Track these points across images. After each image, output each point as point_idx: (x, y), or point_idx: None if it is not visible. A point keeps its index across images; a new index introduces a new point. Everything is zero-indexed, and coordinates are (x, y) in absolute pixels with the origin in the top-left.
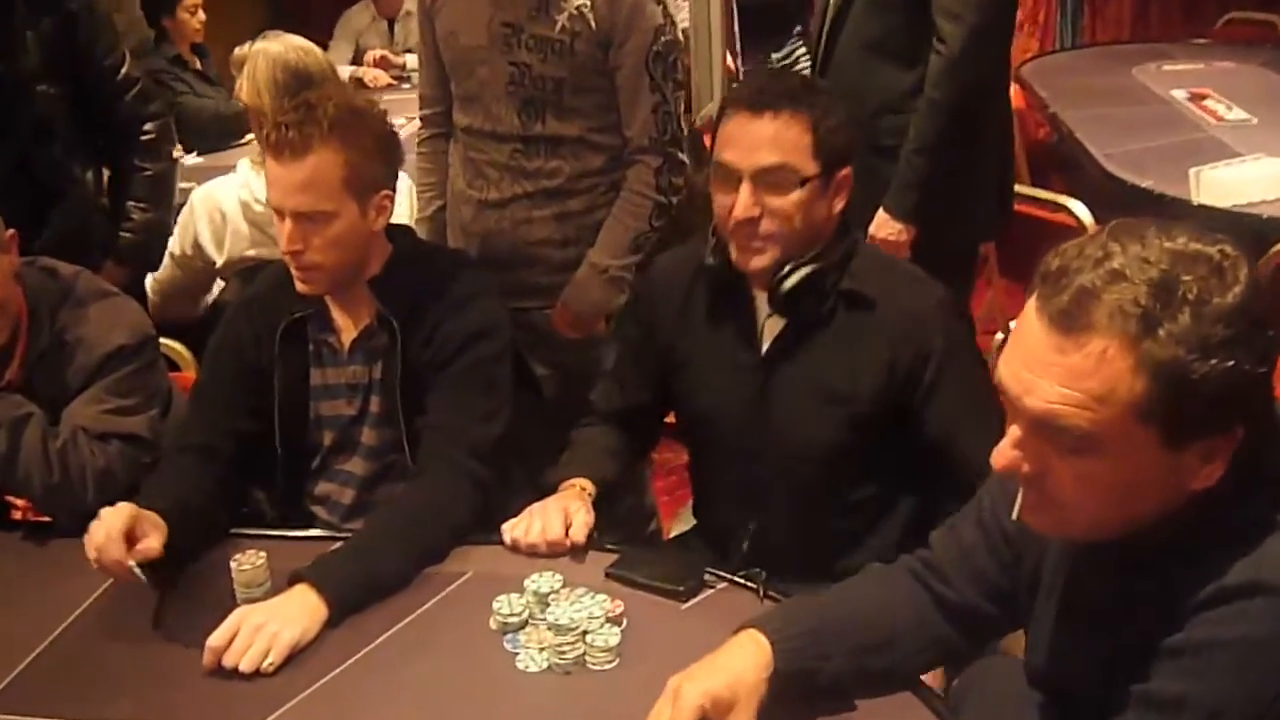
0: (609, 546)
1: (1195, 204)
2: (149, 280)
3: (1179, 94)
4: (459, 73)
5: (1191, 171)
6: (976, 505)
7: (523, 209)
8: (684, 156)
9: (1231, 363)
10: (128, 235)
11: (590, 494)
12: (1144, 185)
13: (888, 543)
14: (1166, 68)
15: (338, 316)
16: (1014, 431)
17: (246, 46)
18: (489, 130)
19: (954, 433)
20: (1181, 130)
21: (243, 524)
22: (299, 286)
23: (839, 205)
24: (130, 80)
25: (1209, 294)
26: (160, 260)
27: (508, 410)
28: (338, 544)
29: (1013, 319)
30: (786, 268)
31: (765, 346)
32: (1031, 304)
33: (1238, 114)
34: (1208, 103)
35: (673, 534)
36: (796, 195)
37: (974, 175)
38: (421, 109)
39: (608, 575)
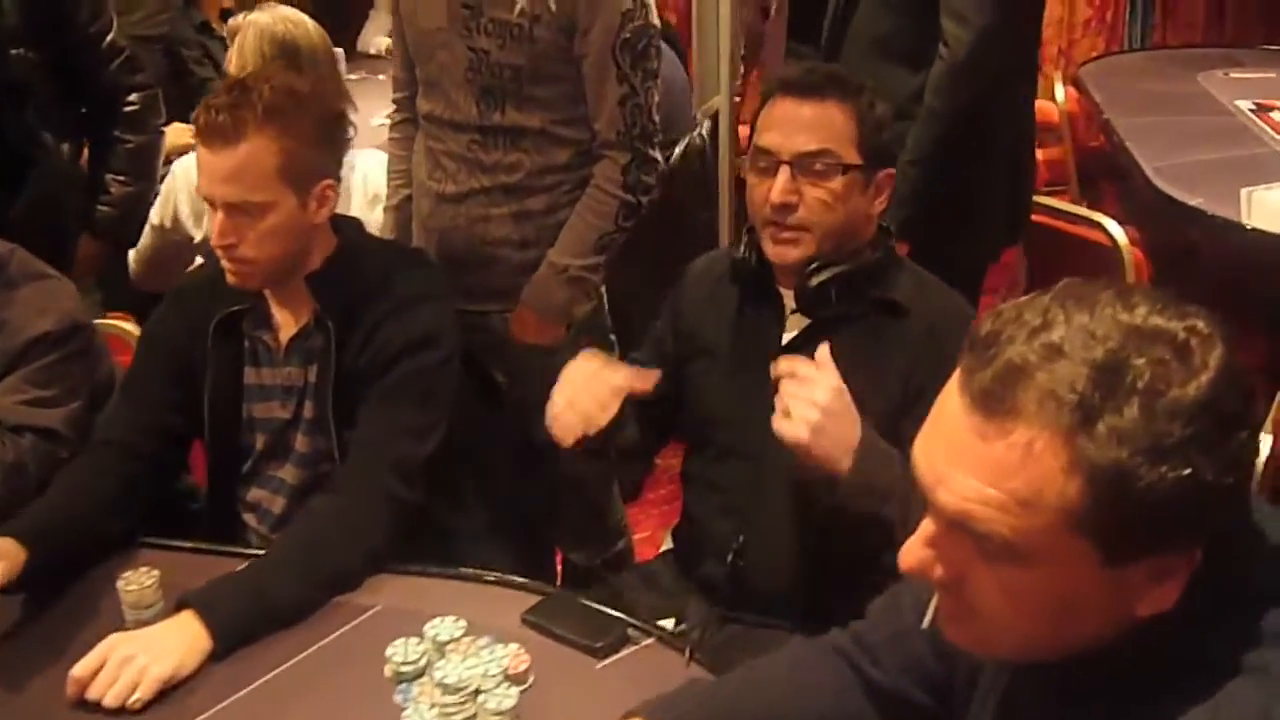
0: (536, 586)
1: (1248, 227)
2: (131, 251)
3: (1244, 104)
4: (420, 56)
5: (1244, 191)
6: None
7: (479, 205)
8: (655, 153)
9: (1188, 470)
10: (104, 209)
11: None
12: (1192, 203)
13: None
14: (1235, 75)
15: (276, 313)
16: (927, 527)
17: (241, 17)
18: (448, 119)
19: None
20: (1242, 144)
21: (175, 526)
22: (230, 280)
23: (879, 207)
24: (115, 49)
25: (1165, 383)
26: (138, 236)
27: (444, 427)
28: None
29: None
30: (815, 264)
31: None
32: (955, 376)
33: None
34: (1275, 115)
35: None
36: (836, 184)
37: (979, 191)
38: (394, 92)
39: (523, 621)
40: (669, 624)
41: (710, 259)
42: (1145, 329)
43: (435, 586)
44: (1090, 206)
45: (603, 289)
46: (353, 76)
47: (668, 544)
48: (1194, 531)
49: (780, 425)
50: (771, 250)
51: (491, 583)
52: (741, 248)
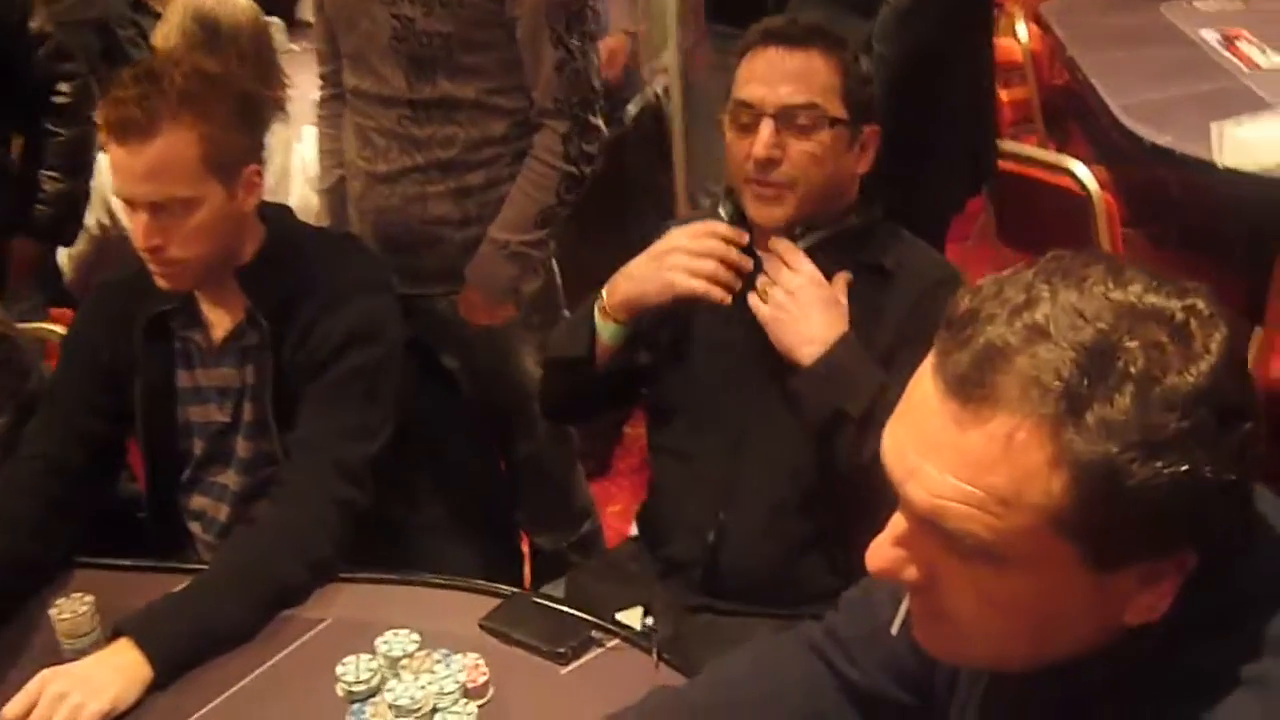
0: (493, 589)
1: (1220, 165)
2: (61, 254)
3: (1209, 35)
4: (340, 26)
5: (1214, 126)
6: None
7: (415, 183)
8: (597, 120)
9: (1185, 466)
10: (41, 208)
11: None
12: (1161, 142)
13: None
14: (1199, 4)
15: (207, 311)
16: (897, 523)
17: None
18: (375, 93)
19: None
20: (1210, 78)
21: (120, 536)
22: (160, 284)
23: (863, 166)
24: (40, 36)
25: (1160, 369)
26: (76, 235)
27: (390, 423)
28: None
29: None
30: (800, 229)
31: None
32: (929, 358)
33: (1274, 59)
34: (1241, 45)
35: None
36: (824, 137)
37: (937, 138)
38: (319, 66)
39: (482, 628)
40: (637, 614)
41: (687, 222)
42: (1140, 308)
43: (388, 594)
44: (1058, 147)
45: (554, 264)
46: (295, 47)
47: (634, 529)
48: (1190, 533)
49: (754, 300)
50: (754, 210)
51: (447, 587)
52: (721, 211)
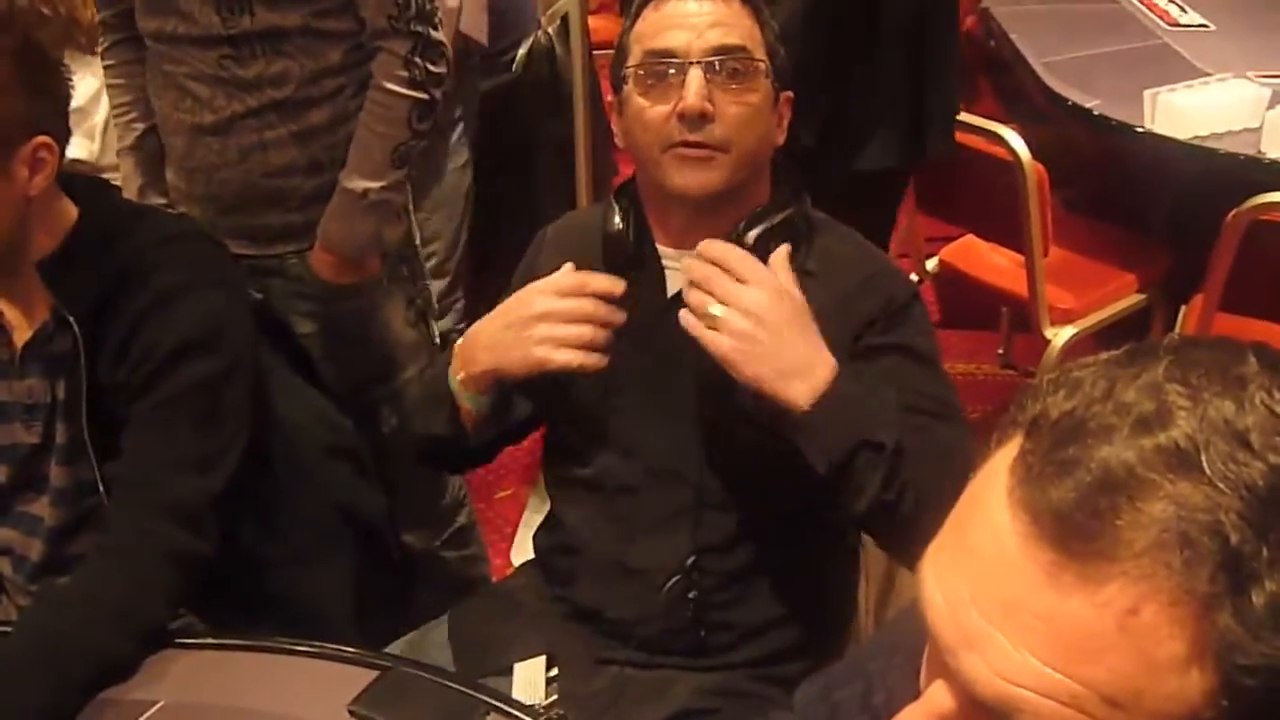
0: (367, 659)
1: (1150, 132)
2: None
3: None
4: None
5: (1147, 94)
6: (863, 674)
7: (250, 131)
8: (439, 35)
9: None
10: None
11: None
12: (1089, 106)
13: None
14: None
15: (5, 310)
16: (938, 701)
17: None
18: (184, 34)
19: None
20: (1131, 35)
21: None
22: None
23: (780, 137)
24: None
25: None
26: None
27: (238, 450)
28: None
29: (931, 255)
30: (742, 224)
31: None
32: (1001, 474)
33: (1192, 17)
34: (1159, 2)
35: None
36: (758, 90)
37: (868, 89)
38: (98, 10)
39: (352, 715)
40: (539, 666)
41: (562, 228)
42: None
43: (237, 665)
44: (964, 105)
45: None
46: None
47: (527, 549)
48: None
49: (695, 328)
50: (679, 177)
51: (308, 654)
52: (614, 219)
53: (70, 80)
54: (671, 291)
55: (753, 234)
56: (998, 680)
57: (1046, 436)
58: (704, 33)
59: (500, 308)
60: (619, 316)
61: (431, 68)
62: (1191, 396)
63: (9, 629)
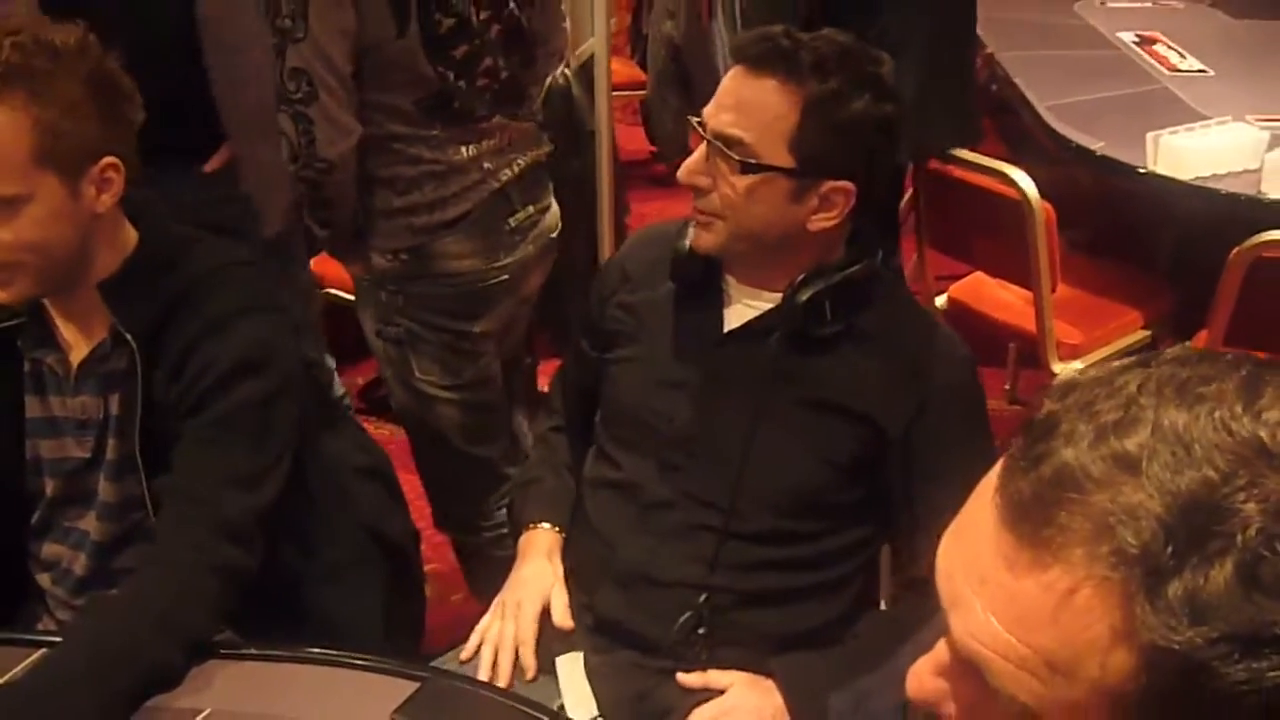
0: (406, 670)
1: (1153, 173)
2: None
3: (1127, 36)
4: None
5: (1149, 136)
6: (895, 680)
7: None
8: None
9: None
10: None
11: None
12: (1093, 148)
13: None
14: (1111, 4)
15: (62, 328)
16: (941, 651)
17: None
18: None
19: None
20: (1132, 80)
21: None
22: None
23: (825, 224)
24: None
25: None
26: None
27: (285, 469)
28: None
29: (940, 293)
30: (802, 276)
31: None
32: (998, 466)
33: (1191, 63)
34: (1158, 48)
35: None
36: (749, 181)
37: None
38: None
39: None
40: (578, 662)
41: (650, 232)
42: (1272, 450)
43: (280, 675)
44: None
45: None
46: None
47: None
48: None
49: None
50: (693, 231)
51: (350, 665)
52: (686, 240)
53: (141, 104)
54: (728, 325)
55: (803, 294)
56: (969, 639)
57: (1029, 433)
58: (720, 113)
59: (529, 564)
60: (505, 679)
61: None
62: (1156, 405)
63: (57, 640)
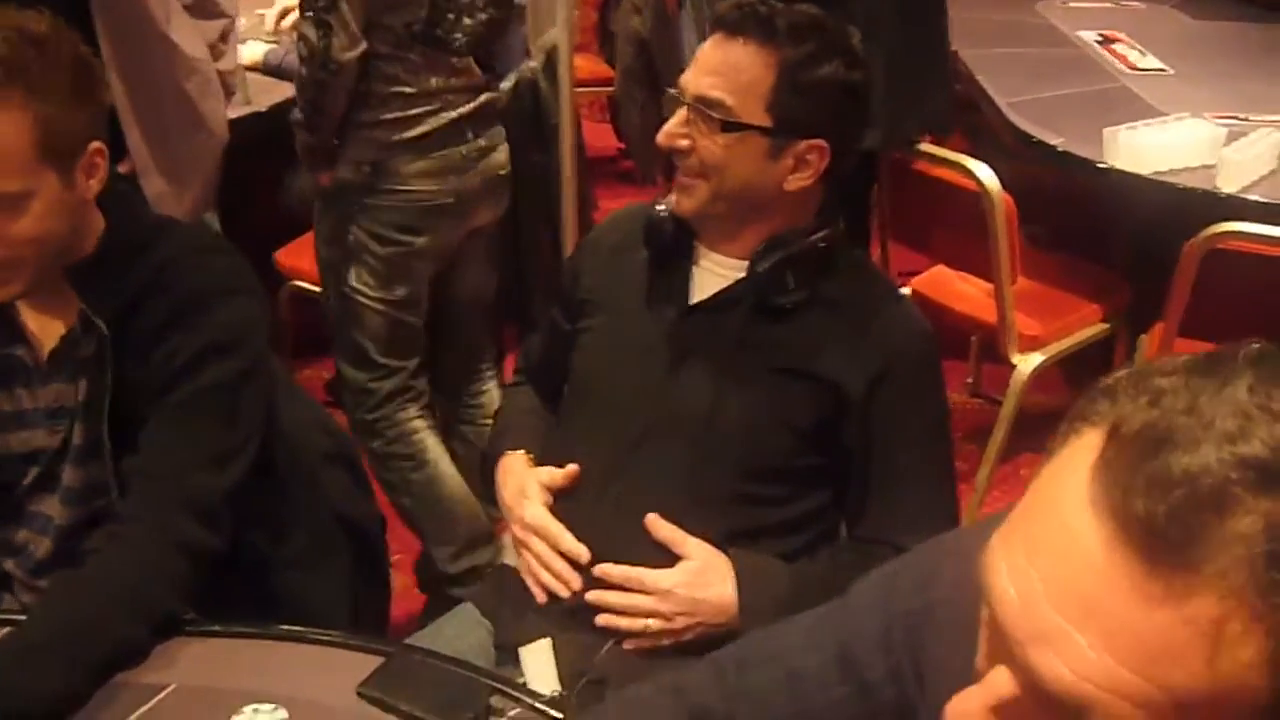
0: (371, 645)
1: (1112, 168)
2: None
3: (1088, 35)
4: None
5: (1107, 132)
6: (885, 648)
7: None
8: None
9: None
10: None
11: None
12: (1054, 144)
13: None
14: (1073, 4)
15: (30, 320)
16: (999, 685)
17: None
18: None
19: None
20: (1093, 78)
21: None
22: None
23: (799, 183)
24: None
25: None
26: None
27: (251, 450)
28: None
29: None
30: (764, 244)
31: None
32: (1079, 475)
33: (1151, 61)
34: (1119, 47)
35: None
36: (729, 139)
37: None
38: None
39: (360, 696)
40: (546, 648)
41: (617, 216)
42: None
43: (246, 652)
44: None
45: None
46: None
47: None
48: None
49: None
50: (673, 197)
51: (316, 641)
52: (660, 206)
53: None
54: (696, 296)
55: (764, 263)
56: (1071, 677)
57: (1131, 445)
58: (700, 77)
59: (507, 486)
60: (576, 583)
61: None
62: (1274, 406)
63: (22, 617)
